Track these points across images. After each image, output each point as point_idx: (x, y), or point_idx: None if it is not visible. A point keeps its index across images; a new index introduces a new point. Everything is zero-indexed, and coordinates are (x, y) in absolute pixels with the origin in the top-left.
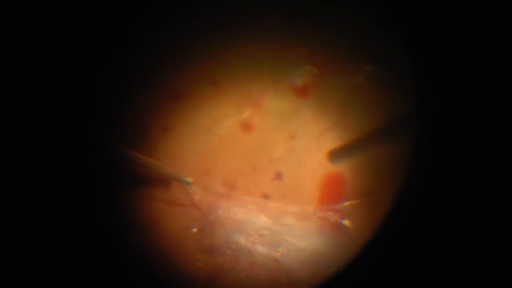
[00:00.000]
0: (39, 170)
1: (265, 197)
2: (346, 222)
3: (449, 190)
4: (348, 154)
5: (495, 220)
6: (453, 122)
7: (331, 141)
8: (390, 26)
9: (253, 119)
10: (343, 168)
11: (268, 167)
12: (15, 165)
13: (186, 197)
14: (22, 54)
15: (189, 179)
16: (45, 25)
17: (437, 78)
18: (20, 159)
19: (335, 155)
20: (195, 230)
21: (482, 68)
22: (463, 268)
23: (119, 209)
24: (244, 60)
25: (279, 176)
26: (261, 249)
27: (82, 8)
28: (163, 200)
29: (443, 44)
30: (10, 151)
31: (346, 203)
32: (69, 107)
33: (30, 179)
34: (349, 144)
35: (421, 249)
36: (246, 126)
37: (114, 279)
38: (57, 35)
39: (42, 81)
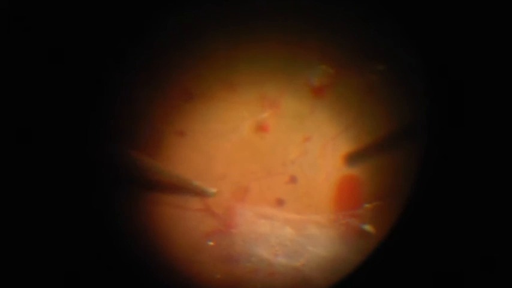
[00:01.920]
0: (45, 175)
1: (280, 201)
2: (367, 227)
3: (462, 189)
4: (364, 157)
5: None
6: (466, 123)
7: (346, 142)
8: (403, 26)
9: (269, 120)
10: (358, 171)
11: (282, 170)
12: (20, 167)
13: (201, 202)
14: (27, 55)
15: (213, 190)
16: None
17: (451, 79)
18: (26, 162)
19: (352, 158)
20: (211, 243)
21: (496, 69)
22: (476, 269)
23: (134, 217)
24: (259, 59)
25: (293, 179)
26: (282, 260)
27: (91, 8)
28: (177, 206)
29: (457, 43)
30: (13, 153)
31: (366, 206)
32: (80, 110)
33: (35, 184)
34: (365, 148)
35: (434, 251)
36: (262, 128)
37: None
38: (61, 35)
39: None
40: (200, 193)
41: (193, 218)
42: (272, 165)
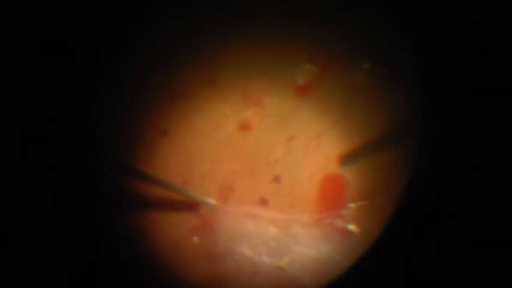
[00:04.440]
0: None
1: (263, 201)
2: (352, 227)
3: (454, 189)
4: (359, 158)
5: (502, 222)
6: (456, 122)
7: (330, 142)
8: (391, 23)
9: (252, 119)
10: (343, 170)
11: (266, 169)
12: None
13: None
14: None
15: (212, 200)
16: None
17: (440, 77)
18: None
19: (347, 159)
20: (195, 238)
21: (485, 67)
22: (469, 270)
23: (118, 218)
24: (243, 58)
25: (277, 179)
26: (265, 259)
27: (77, 8)
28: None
29: (445, 41)
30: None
31: (351, 206)
32: (62, 109)
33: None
34: (361, 149)
35: (425, 251)
36: (245, 127)
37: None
38: (48, 34)
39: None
40: (198, 204)
41: (177, 216)
42: (256, 165)
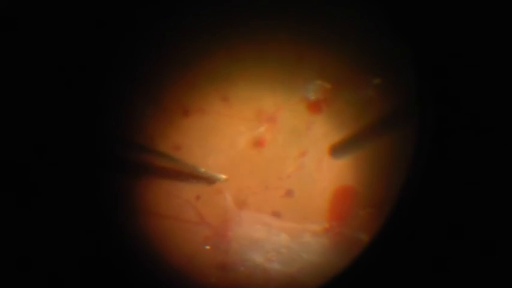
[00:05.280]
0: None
1: (276, 214)
2: (360, 235)
3: (454, 194)
4: (350, 148)
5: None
6: (455, 126)
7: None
8: (399, 38)
9: (265, 135)
10: (353, 181)
11: (279, 184)
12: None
13: (195, 214)
14: (22, 58)
15: (223, 176)
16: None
17: (443, 87)
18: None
19: (337, 149)
20: (208, 247)
21: (487, 77)
22: (469, 268)
23: (130, 226)
24: (257, 75)
25: (289, 193)
26: (276, 266)
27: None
28: (171, 217)
29: (450, 55)
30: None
31: (360, 213)
32: (73, 128)
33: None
34: (351, 138)
35: (426, 249)
36: (258, 143)
37: None
38: (62, 44)
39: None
40: (209, 179)
41: (189, 228)
42: (269, 180)
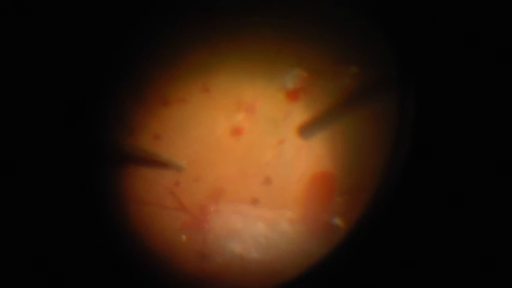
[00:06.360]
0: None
1: (254, 201)
2: (337, 221)
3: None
4: (318, 126)
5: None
6: (437, 120)
7: (320, 144)
8: (378, 26)
9: (244, 123)
10: (331, 168)
11: (257, 171)
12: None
13: (174, 200)
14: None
15: (183, 163)
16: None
17: (424, 77)
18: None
19: (306, 129)
20: (184, 237)
21: (470, 68)
22: (449, 257)
23: (107, 212)
24: (235, 65)
25: (267, 180)
26: (255, 255)
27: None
28: (151, 203)
29: (430, 43)
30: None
31: (337, 200)
32: (53, 114)
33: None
34: (318, 117)
35: (405, 237)
36: (237, 131)
37: (103, 283)
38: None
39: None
40: (171, 166)
41: (168, 214)
42: (247, 167)
